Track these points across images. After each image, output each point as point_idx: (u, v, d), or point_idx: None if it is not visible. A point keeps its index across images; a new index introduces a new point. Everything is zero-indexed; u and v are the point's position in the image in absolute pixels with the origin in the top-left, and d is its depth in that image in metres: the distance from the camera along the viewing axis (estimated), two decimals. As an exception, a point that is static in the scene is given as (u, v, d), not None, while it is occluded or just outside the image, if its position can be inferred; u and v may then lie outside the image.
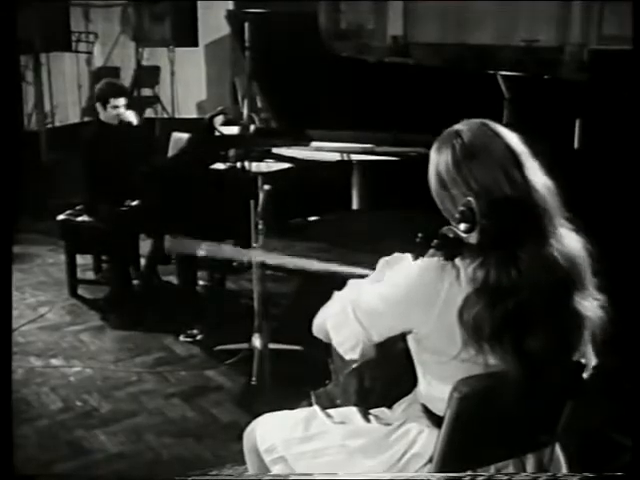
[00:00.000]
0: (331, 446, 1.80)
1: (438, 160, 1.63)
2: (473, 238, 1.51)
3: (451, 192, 1.60)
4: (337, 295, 1.78)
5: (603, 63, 7.41)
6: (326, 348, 1.96)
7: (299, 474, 1.77)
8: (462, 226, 1.52)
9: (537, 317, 1.54)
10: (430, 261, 1.59)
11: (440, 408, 1.64)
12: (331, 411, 1.93)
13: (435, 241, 1.53)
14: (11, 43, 2.00)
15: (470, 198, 1.52)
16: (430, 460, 1.66)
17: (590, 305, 1.60)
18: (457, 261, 1.56)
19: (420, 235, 1.55)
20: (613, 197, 3.65)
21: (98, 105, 4.63)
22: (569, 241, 1.60)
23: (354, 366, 1.94)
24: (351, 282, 1.80)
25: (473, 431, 1.60)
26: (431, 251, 1.59)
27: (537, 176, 1.59)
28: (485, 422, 1.61)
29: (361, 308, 1.67)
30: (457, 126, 1.65)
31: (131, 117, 4.62)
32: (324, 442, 1.82)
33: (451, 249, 1.53)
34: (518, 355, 1.54)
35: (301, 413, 1.94)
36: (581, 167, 3.72)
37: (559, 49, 8.61)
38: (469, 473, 1.62)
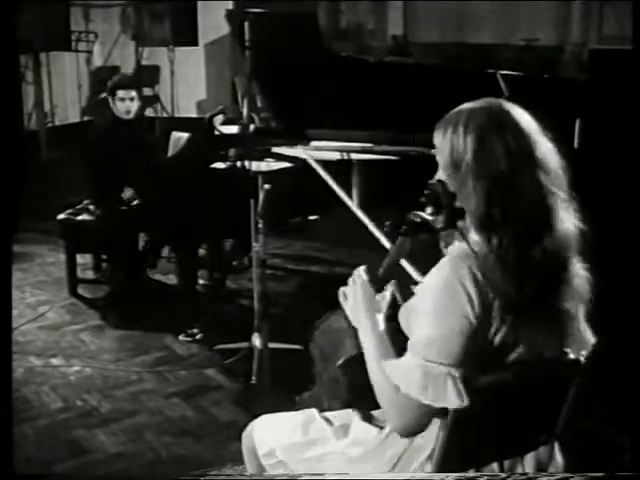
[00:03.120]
0: (331, 452, 1.80)
1: (456, 138, 1.56)
2: (439, 222, 1.51)
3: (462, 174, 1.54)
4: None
5: (603, 63, 7.41)
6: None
7: (309, 474, 1.77)
8: (428, 209, 1.51)
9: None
10: (444, 273, 1.54)
11: None
12: (329, 414, 1.93)
13: (403, 227, 1.52)
14: (11, 43, 2.00)
15: (435, 181, 1.51)
16: (432, 452, 1.65)
17: (581, 284, 1.59)
18: (467, 256, 1.53)
19: (387, 223, 1.54)
20: (613, 197, 3.65)
21: (110, 99, 4.62)
22: (566, 224, 1.57)
23: (339, 363, 1.92)
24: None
25: (473, 430, 1.60)
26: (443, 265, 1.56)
27: (550, 156, 1.57)
28: (485, 421, 1.61)
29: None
30: (470, 105, 1.61)
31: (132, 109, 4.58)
32: (324, 448, 1.82)
33: (417, 233, 1.53)
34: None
35: (299, 417, 1.93)
36: (581, 167, 3.72)
37: (559, 48, 8.62)
38: (485, 473, 1.62)
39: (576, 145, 3.80)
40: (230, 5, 7.88)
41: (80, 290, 4.75)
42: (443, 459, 1.61)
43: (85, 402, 3.44)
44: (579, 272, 1.60)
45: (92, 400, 3.45)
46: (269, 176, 3.61)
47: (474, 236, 1.55)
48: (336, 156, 4.14)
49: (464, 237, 1.54)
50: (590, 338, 1.67)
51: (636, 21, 2.69)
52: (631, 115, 3.24)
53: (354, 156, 4.08)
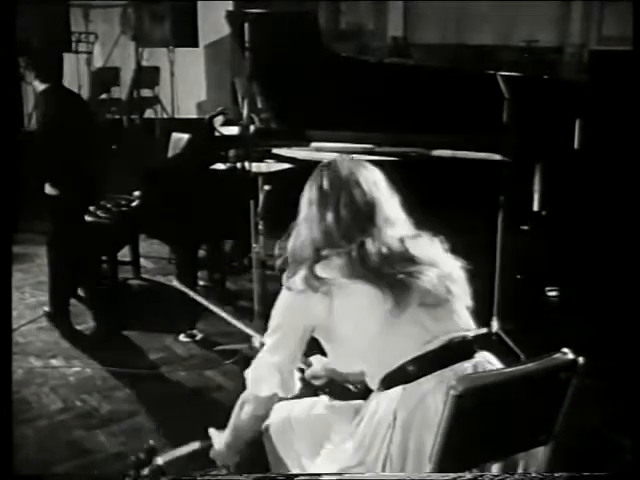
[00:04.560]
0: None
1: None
2: None
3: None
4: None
5: (603, 64, 7.41)
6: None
7: (306, 473, 1.78)
8: None
9: None
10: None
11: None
12: (336, 404, 2.04)
13: None
14: (11, 43, 2.01)
15: None
16: (394, 419, 1.72)
17: (456, 272, 1.84)
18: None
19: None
20: (612, 197, 3.66)
21: None
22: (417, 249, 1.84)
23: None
24: None
25: (470, 430, 1.60)
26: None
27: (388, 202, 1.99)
28: (482, 421, 1.61)
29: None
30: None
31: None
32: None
33: None
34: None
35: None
36: (580, 167, 3.73)
37: (559, 49, 8.63)
38: (479, 473, 1.62)
39: (576, 146, 3.81)
40: (230, 6, 7.88)
41: (80, 291, 4.74)
42: (440, 460, 1.61)
43: (85, 403, 3.44)
44: (451, 262, 1.85)
45: (92, 401, 3.45)
46: (269, 177, 3.61)
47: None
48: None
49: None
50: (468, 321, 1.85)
51: (636, 22, 2.69)
52: (631, 116, 3.24)
53: (354, 157, 4.07)
